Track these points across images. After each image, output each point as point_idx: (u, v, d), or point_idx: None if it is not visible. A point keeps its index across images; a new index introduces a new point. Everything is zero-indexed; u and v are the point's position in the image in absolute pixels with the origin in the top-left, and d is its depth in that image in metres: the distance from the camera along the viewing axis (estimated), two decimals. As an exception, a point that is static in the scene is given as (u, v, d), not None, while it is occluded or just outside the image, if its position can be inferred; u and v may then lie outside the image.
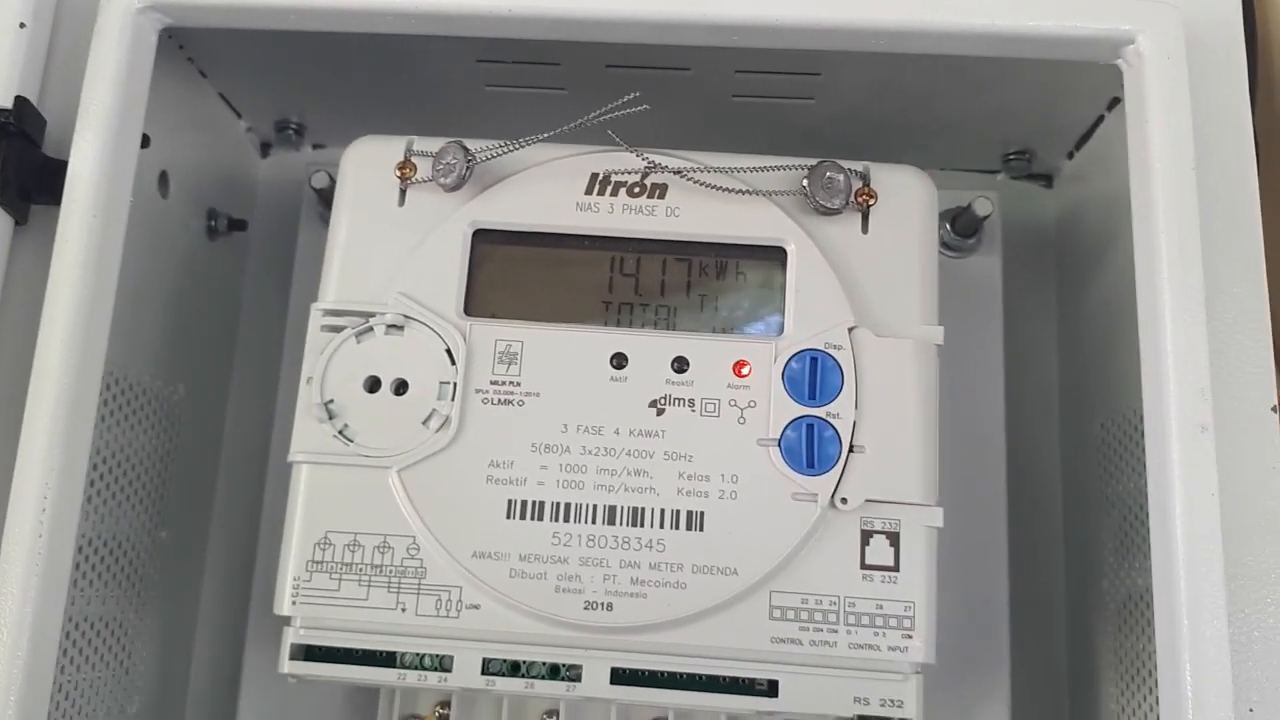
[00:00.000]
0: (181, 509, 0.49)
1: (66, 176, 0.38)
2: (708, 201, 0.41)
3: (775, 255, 0.41)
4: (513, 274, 0.41)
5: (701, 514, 0.39)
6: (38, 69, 0.42)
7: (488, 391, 0.40)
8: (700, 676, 0.39)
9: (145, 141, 0.41)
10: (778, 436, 0.39)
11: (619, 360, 0.40)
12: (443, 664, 0.39)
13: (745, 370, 0.40)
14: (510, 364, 0.40)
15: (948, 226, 0.50)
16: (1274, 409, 0.39)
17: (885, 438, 0.39)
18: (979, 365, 0.50)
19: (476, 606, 0.39)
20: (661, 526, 0.39)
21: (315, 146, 0.55)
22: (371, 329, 0.40)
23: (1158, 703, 0.35)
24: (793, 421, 0.39)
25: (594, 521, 0.39)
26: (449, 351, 0.40)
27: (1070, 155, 0.51)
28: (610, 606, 0.38)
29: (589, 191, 0.42)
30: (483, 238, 0.41)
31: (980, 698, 0.47)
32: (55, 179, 0.38)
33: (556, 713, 0.43)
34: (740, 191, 0.41)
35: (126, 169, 0.39)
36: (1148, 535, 0.36)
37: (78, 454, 0.37)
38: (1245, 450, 0.38)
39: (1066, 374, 0.52)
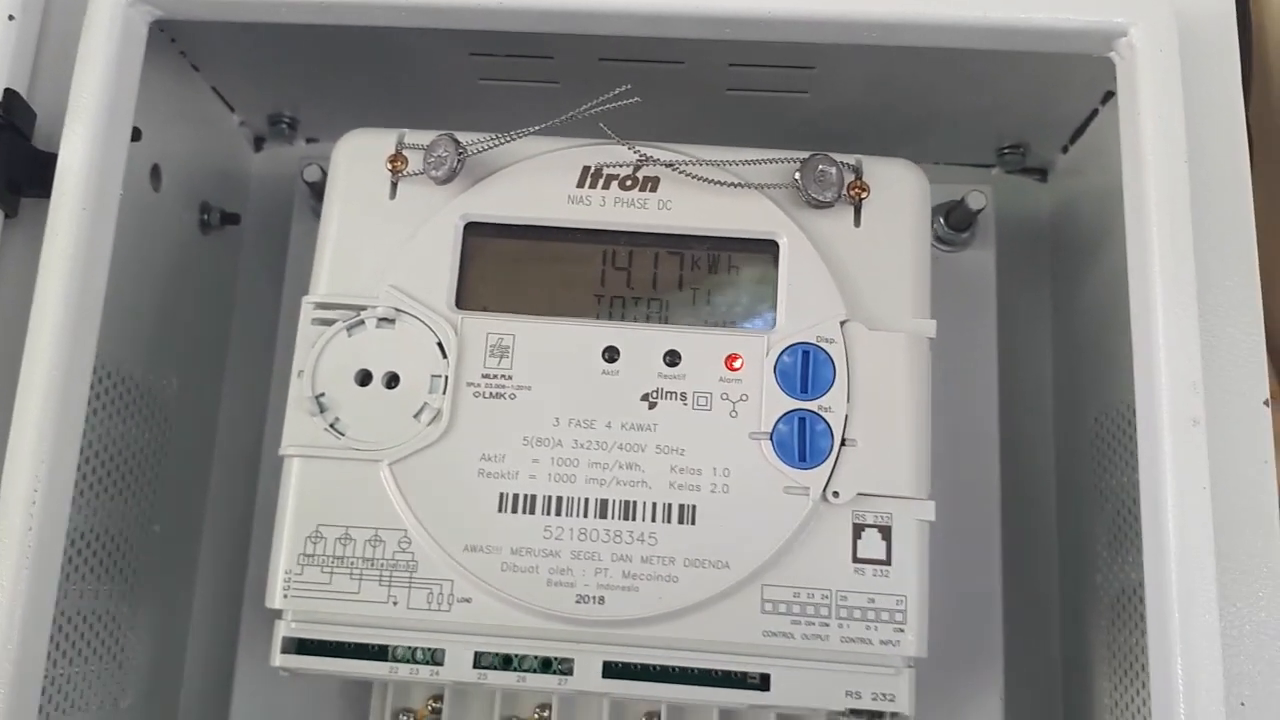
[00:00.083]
0: (174, 502, 0.49)
1: (56, 169, 0.37)
2: (700, 195, 0.41)
3: (767, 248, 0.41)
4: (504, 267, 0.41)
5: (693, 507, 0.39)
6: (27, 61, 0.41)
7: (479, 385, 0.40)
8: (692, 670, 0.39)
9: (137, 135, 0.41)
10: (769, 430, 0.39)
11: (611, 354, 0.40)
12: (434, 657, 0.39)
13: (737, 364, 0.40)
14: (502, 357, 0.40)
15: (941, 221, 0.50)
16: (1266, 403, 0.39)
17: (877, 431, 0.39)
18: (973, 360, 0.49)
19: (468, 600, 0.39)
20: (653, 520, 0.39)
21: (308, 140, 0.55)
22: (363, 322, 0.40)
23: (1151, 697, 0.35)
24: (784, 415, 0.39)
25: (586, 515, 0.39)
26: (440, 345, 0.40)
27: (1065, 149, 0.51)
28: (602, 600, 0.38)
29: (581, 185, 0.41)
30: (474, 231, 0.41)
31: (974, 692, 0.47)
32: (45, 172, 0.38)
33: (549, 706, 0.43)
34: (732, 185, 0.41)
35: (117, 162, 0.39)
36: (1141, 530, 0.36)
37: (68, 447, 0.37)
38: (1237, 444, 0.38)
39: (1060, 368, 0.52)
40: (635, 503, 0.39)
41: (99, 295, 0.38)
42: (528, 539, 0.39)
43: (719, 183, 0.41)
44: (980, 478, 0.49)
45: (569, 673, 0.38)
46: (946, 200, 0.49)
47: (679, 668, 0.39)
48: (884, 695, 0.38)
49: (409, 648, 0.39)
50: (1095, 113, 0.47)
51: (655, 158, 0.41)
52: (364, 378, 0.40)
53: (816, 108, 0.49)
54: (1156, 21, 0.38)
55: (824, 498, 0.39)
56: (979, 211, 0.48)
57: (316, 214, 0.45)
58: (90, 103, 0.38)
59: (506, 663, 0.39)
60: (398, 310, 0.40)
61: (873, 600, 0.38)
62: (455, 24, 0.40)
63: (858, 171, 0.41)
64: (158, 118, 0.44)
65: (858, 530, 0.39)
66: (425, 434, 0.39)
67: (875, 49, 0.40)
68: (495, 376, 0.40)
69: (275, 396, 0.48)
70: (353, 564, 0.39)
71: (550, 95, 0.48)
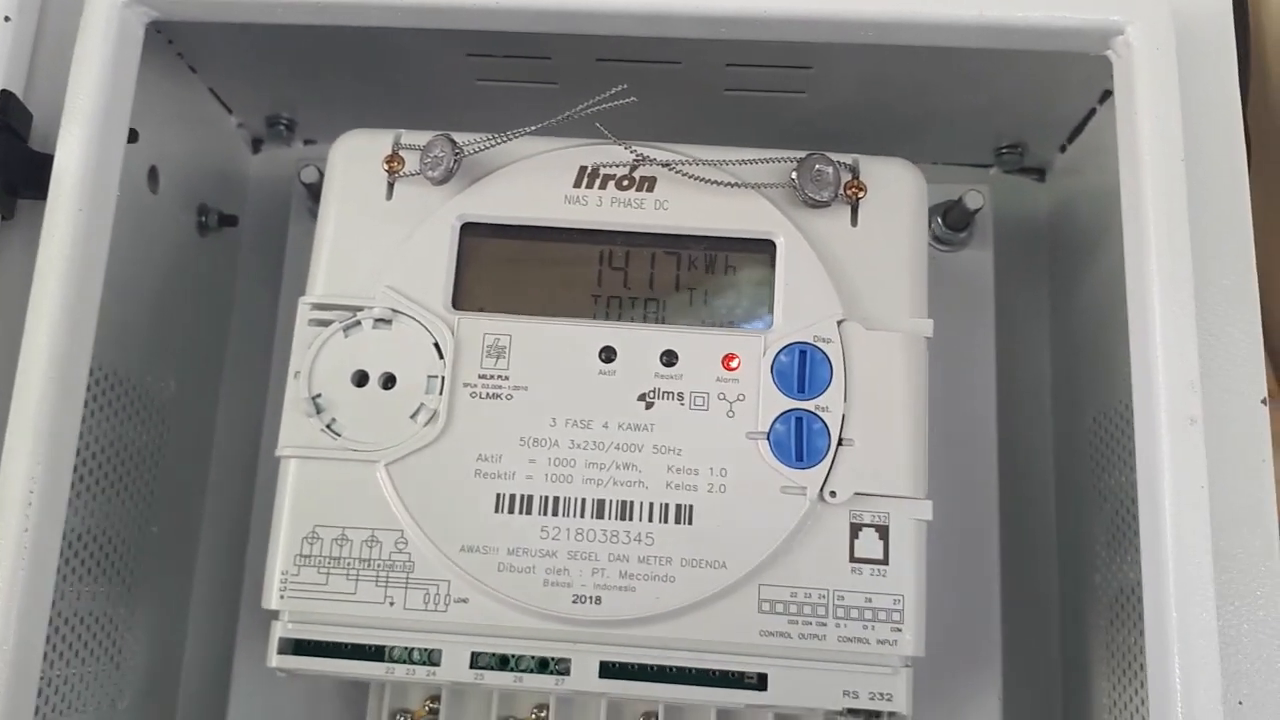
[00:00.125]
0: (173, 504, 0.49)
1: (52, 171, 0.37)
2: (696, 195, 0.41)
3: (764, 248, 0.41)
4: (501, 267, 0.41)
5: (690, 507, 0.39)
6: (23, 62, 0.42)
7: (476, 385, 0.40)
8: (690, 670, 0.38)
9: (133, 136, 0.41)
10: (766, 430, 0.39)
11: (607, 354, 0.40)
12: (431, 658, 0.39)
13: (734, 363, 0.40)
14: (498, 358, 0.40)
15: (939, 220, 0.50)
16: (1264, 401, 0.38)
17: (874, 431, 0.39)
18: (971, 360, 0.49)
19: (465, 600, 0.38)
20: (650, 520, 0.39)
21: (306, 142, 0.55)
22: (359, 323, 0.40)
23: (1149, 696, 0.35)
24: (781, 415, 0.39)
25: (582, 515, 0.39)
26: (437, 345, 0.40)
27: (1063, 149, 0.51)
28: (599, 600, 0.38)
29: (577, 185, 0.41)
30: (471, 231, 0.41)
31: (972, 692, 0.47)
32: (42, 174, 0.38)
33: (547, 707, 0.43)
34: (729, 184, 0.41)
35: (113, 163, 0.39)
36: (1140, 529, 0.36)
37: (64, 448, 0.37)
38: (1235, 443, 0.38)
39: (1059, 368, 0.51)
40: (632, 503, 0.39)
41: (95, 297, 0.38)
42: (524, 539, 0.39)
43: (715, 182, 0.41)
44: (979, 478, 0.49)
45: (566, 673, 0.38)
46: (944, 200, 0.49)
47: (676, 668, 0.38)
48: (881, 695, 0.38)
49: (406, 648, 0.39)
50: (1093, 112, 0.47)
51: (652, 157, 0.41)
52: (360, 378, 0.40)
53: (814, 108, 0.49)
54: (1153, 20, 0.38)
55: (821, 497, 0.39)
56: (976, 211, 0.48)
57: (314, 215, 0.45)
58: (86, 104, 0.38)
59: (503, 663, 0.39)
60: (394, 311, 0.40)
61: (870, 600, 0.38)
62: (452, 24, 0.40)
63: (854, 171, 0.41)
64: (155, 119, 0.44)
65: (855, 530, 0.39)
66: (422, 434, 0.39)
67: (872, 49, 0.40)
68: (492, 377, 0.40)
69: (273, 398, 0.48)
70: (349, 565, 0.39)
71: (548, 96, 0.48)
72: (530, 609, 0.38)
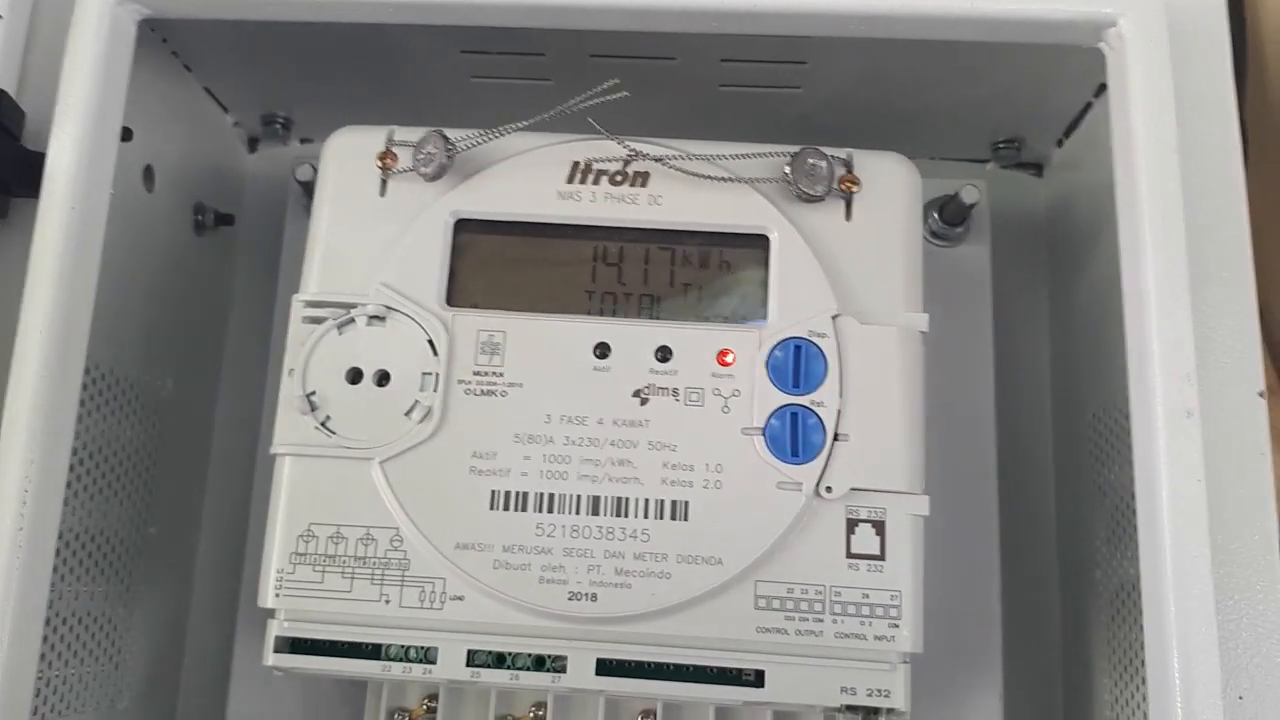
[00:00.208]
0: (170, 503, 0.49)
1: (45, 170, 0.37)
2: (690, 190, 0.41)
3: (758, 243, 0.41)
4: (495, 264, 0.41)
5: (686, 504, 0.39)
6: (16, 60, 0.42)
7: (470, 382, 0.40)
8: (686, 667, 0.38)
9: (127, 135, 0.41)
10: (762, 425, 0.39)
11: (602, 350, 0.40)
12: (427, 656, 0.38)
13: (729, 359, 0.40)
14: (493, 354, 0.40)
15: (936, 215, 0.49)
16: (1262, 394, 0.38)
17: (870, 426, 0.39)
18: (968, 355, 0.49)
19: (460, 598, 0.38)
20: (646, 516, 0.39)
21: (303, 141, 0.55)
22: (353, 320, 0.40)
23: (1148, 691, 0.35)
24: (777, 410, 0.39)
25: (578, 512, 0.39)
26: (431, 342, 0.40)
27: (1060, 143, 0.51)
28: (595, 597, 0.38)
29: (571, 180, 0.41)
30: (464, 227, 0.41)
31: (972, 688, 0.47)
32: (35, 172, 0.38)
33: (545, 705, 0.43)
34: (722, 179, 0.41)
35: (106, 162, 0.39)
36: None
37: (59, 447, 0.37)
38: (1232, 436, 0.38)
39: (1058, 363, 0.51)
40: (627, 499, 0.39)
41: (89, 296, 0.38)
42: (520, 536, 0.39)
43: (709, 177, 0.41)
44: (978, 474, 0.48)
45: (562, 670, 0.38)
46: (941, 195, 0.49)
47: (673, 665, 0.38)
48: (879, 691, 0.38)
49: (402, 646, 0.39)
50: (1089, 106, 0.47)
51: (645, 152, 0.41)
52: (355, 376, 0.40)
53: (809, 103, 0.49)
54: (1146, 12, 0.38)
55: (817, 493, 0.39)
56: (972, 205, 0.48)
57: (309, 213, 0.45)
58: (78, 102, 0.38)
59: (499, 661, 0.39)
60: (388, 308, 0.40)
61: (867, 596, 0.38)
62: (446, 19, 0.40)
63: (848, 165, 0.41)
64: (150, 118, 0.44)
65: (851, 525, 0.39)
66: (416, 432, 0.39)
67: (867, 43, 0.40)
68: (486, 374, 0.40)
69: (271, 397, 0.48)
70: (345, 562, 0.39)
71: (543, 92, 0.48)
72: (526, 606, 0.38)
